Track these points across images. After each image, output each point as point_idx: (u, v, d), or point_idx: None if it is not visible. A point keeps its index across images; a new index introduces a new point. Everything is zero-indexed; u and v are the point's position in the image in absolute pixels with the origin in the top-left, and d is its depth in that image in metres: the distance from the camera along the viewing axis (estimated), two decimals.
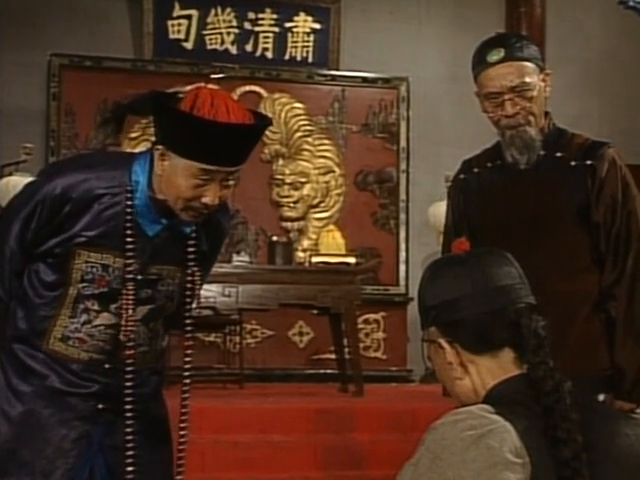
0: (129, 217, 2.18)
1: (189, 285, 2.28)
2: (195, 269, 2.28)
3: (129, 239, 2.18)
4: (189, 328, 2.30)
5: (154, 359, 2.33)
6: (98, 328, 2.22)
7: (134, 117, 2.27)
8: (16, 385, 2.23)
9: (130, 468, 2.23)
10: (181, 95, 2.12)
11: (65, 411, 2.22)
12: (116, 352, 2.23)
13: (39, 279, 2.23)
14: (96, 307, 2.21)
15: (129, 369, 2.22)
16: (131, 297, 2.20)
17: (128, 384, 2.22)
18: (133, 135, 7.63)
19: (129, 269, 2.19)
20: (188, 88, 2.14)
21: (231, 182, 2.15)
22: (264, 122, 2.18)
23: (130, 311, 2.20)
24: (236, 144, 2.10)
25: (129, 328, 2.21)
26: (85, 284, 2.20)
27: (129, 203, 2.18)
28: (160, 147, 2.13)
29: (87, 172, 2.20)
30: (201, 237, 2.29)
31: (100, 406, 2.24)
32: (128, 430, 2.23)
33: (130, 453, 2.23)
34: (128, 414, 2.23)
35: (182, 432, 2.32)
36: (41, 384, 2.22)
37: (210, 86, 2.17)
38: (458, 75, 7.78)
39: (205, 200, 2.12)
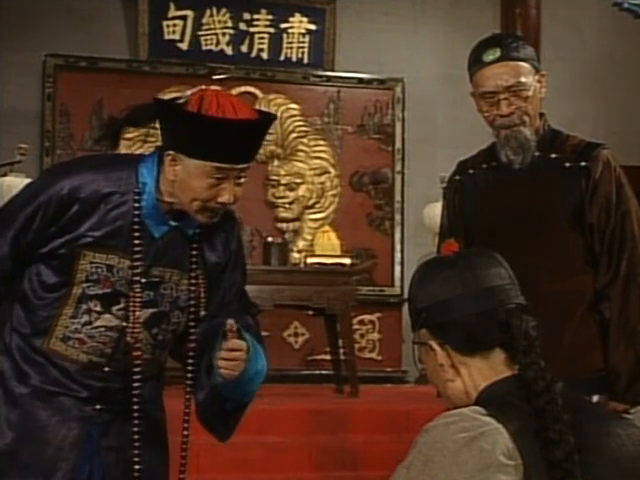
0: (136, 219, 2.18)
1: (193, 288, 2.26)
2: (199, 272, 2.26)
3: (136, 241, 2.18)
4: (193, 330, 2.28)
5: (156, 368, 2.32)
6: (99, 329, 2.20)
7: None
8: (13, 387, 2.22)
9: (137, 474, 2.24)
10: (182, 100, 2.13)
11: (63, 412, 2.22)
12: (116, 355, 2.22)
13: (40, 281, 2.21)
14: (98, 308, 2.20)
15: (136, 370, 2.21)
16: (138, 299, 2.19)
17: (135, 384, 2.22)
18: (129, 136, 7.60)
19: (136, 271, 2.19)
20: (189, 92, 2.15)
21: (243, 179, 2.17)
22: (270, 117, 2.21)
23: (137, 313, 2.20)
24: (246, 140, 2.13)
25: (136, 330, 2.20)
26: (90, 284, 2.19)
27: (136, 205, 2.18)
28: (171, 152, 2.13)
29: (94, 173, 2.19)
30: (213, 243, 2.29)
31: (98, 407, 2.24)
32: (136, 437, 2.23)
33: (136, 459, 2.23)
34: (135, 421, 2.22)
35: (185, 432, 2.33)
36: (38, 386, 2.21)
37: (212, 87, 2.19)
38: (453, 76, 7.77)
39: (222, 199, 2.14)
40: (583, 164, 2.71)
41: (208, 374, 2.24)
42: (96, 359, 2.22)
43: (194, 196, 2.13)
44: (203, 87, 2.17)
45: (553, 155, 2.74)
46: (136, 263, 2.18)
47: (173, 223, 2.22)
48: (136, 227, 2.18)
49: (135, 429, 2.23)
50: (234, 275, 2.34)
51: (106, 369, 2.23)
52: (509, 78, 2.67)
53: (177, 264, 2.25)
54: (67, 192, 2.16)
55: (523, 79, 2.68)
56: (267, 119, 2.19)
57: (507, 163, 2.74)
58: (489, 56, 2.69)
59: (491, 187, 2.80)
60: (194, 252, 2.25)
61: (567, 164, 2.72)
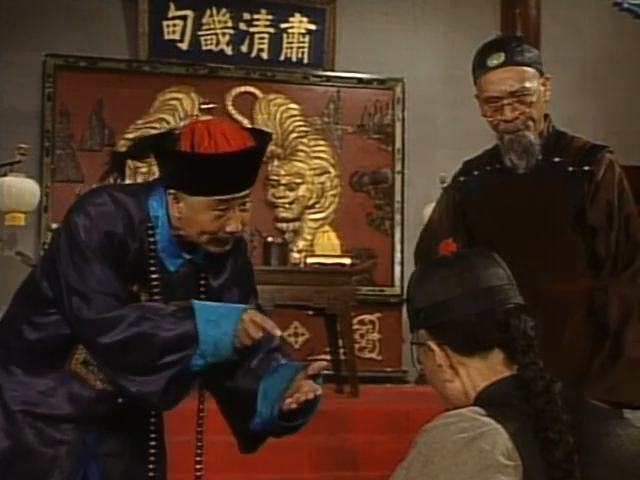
0: (152, 254, 2.16)
1: None
2: (205, 300, 2.24)
3: (153, 275, 2.16)
4: None
5: None
6: None
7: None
8: (9, 400, 2.22)
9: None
10: (177, 131, 2.12)
11: (60, 422, 2.22)
12: None
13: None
14: None
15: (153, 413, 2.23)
16: None
17: (152, 420, 2.24)
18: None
19: None
20: (182, 124, 2.13)
21: (248, 204, 2.14)
22: (264, 139, 2.18)
23: None
24: (244, 168, 2.11)
25: None
26: None
27: (151, 240, 2.16)
28: (172, 191, 2.12)
29: (110, 209, 2.14)
30: (221, 269, 2.27)
31: (96, 420, 2.25)
32: (152, 458, 2.25)
33: (151, 475, 2.25)
34: (152, 434, 2.25)
35: (198, 429, 2.36)
36: (37, 404, 2.22)
37: (203, 118, 2.18)
38: (453, 76, 7.79)
39: (230, 229, 2.12)
40: (586, 168, 2.69)
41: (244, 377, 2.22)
42: (110, 389, 2.21)
43: (202, 229, 2.13)
44: (194, 119, 2.16)
45: (557, 159, 2.72)
46: (155, 297, 2.17)
47: (187, 256, 2.21)
48: (152, 262, 2.16)
49: (151, 449, 2.25)
50: (244, 288, 2.33)
51: (120, 400, 2.22)
52: (513, 83, 2.65)
53: (188, 296, 2.22)
54: (104, 235, 2.11)
55: (527, 84, 2.66)
56: (262, 142, 2.16)
57: (511, 167, 2.73)
58: (493, 60, 2.67)
59: (494, 190, 2.78)
60: (202, 282, 2.25)
61: (570, 168, 2.70)
